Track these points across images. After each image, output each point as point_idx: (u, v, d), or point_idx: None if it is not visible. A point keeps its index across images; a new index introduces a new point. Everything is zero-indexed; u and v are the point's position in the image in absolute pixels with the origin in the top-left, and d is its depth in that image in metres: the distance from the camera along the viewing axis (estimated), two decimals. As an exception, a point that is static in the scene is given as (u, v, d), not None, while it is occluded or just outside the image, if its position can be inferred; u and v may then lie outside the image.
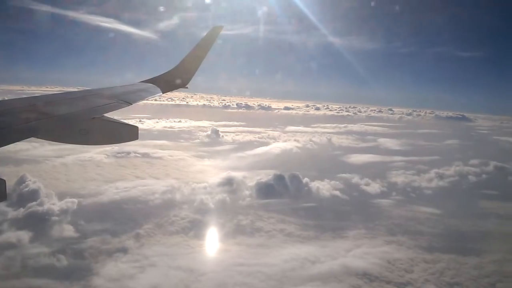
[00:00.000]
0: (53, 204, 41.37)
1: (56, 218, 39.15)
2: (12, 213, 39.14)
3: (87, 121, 5.42)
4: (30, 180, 45.56)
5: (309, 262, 34.77)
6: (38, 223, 37.75)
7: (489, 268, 36.03)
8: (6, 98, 5.96)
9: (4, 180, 3.48)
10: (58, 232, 37.29)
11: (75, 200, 42.86)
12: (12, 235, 34.95)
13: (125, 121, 5.79)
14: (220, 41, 10.59)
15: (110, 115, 5.90)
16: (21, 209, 39.93)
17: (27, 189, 43.97)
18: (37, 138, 4.70)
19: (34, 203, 41.02)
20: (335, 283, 31.70)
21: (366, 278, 32.80)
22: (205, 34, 10.37)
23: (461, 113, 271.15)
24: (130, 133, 5.71)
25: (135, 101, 7.42)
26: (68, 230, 37.58)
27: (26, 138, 4.30)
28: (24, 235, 34.74)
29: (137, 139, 5.70)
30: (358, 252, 37.47)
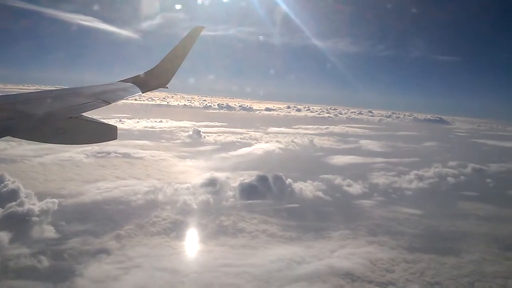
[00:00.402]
0: (33, 205, 40.40)
1: (37, 218, 38.17)
2: (-10, 213, 38.28)
3: (65, 120, 5.37)
4: (8, 180, 44.49)
5: (295, 263, 34.76)
6: (18, 224, 36.81)
7: (468, 268, 36.67)
8: None
9: None
10: (39, 233, 36.39)
11: (56, 200, 41.92)
12: (-9, 236, 34.16)
13: (104, 120, 5.76)
14: (201, 41, 10.59)
15: (88, 114, 5.86)
16: (0, 210, 39.06)
17: (6, 189, 42.96)
18: (14, 137, 4.63)
19: (14, 203, 40.00)
20: (320, 283, 31.89)
21: (348, 278, 33.05)
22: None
23: (439, 116, 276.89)
24: (108, 132, 5.69)
25: (114, 101, 7.40)
26: (49, 231, 36.68)
27: (2, 137, 4.26)
28: (4, 236, 33.77)
29: (116, 138, 5.67)
30: (343, 252, 37.66)
